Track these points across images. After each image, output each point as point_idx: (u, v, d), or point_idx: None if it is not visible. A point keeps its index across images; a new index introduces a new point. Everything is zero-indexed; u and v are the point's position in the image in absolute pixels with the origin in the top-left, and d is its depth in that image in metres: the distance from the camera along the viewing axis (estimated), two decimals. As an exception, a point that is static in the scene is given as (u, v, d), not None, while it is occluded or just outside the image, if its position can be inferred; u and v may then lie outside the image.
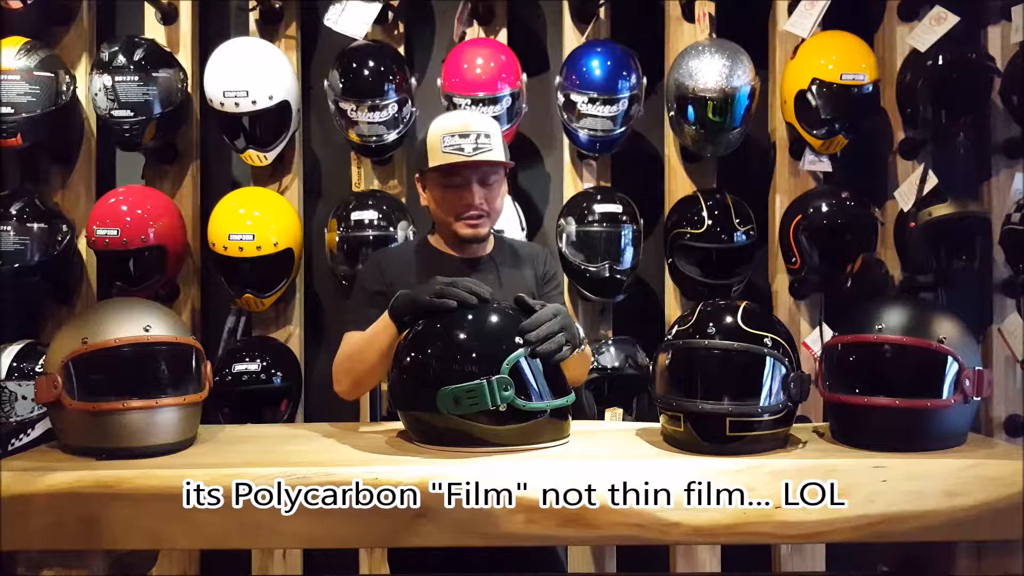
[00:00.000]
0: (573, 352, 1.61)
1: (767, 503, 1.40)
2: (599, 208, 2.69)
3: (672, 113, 2.71)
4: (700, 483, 1.41)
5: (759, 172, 2.96)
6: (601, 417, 2.59)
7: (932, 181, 2.69)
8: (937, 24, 2.63)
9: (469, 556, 1.60)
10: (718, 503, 1.40)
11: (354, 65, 2.64)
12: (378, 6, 2.70)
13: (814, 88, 2.61)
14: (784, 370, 1.51)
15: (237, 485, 1.39)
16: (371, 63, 2.65)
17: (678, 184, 2.87)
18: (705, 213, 2.66)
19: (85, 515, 1.40)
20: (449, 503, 1.38)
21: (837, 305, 2.77)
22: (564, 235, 2.69)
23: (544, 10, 3.02)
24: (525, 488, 1.39)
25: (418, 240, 2.05)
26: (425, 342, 1.57)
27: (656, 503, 1.39)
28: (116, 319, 1.55)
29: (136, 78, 2.58)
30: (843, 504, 1.40)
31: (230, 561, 2.77)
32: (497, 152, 1.85)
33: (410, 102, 2.69)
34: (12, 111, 2.54)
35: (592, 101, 2.62)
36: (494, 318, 1.57)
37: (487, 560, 1.67)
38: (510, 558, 1.74)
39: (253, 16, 2.86)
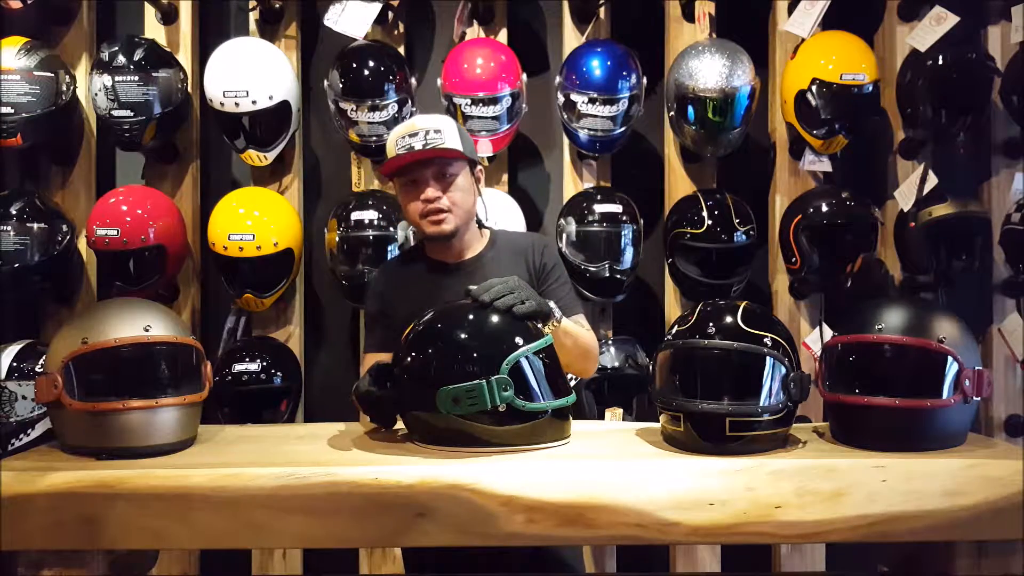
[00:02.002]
0: (533, 310, 1.60)
1: (767, 503, 1.40)
2: (599, 208, 2.69)
3: (672, 113, 2.71)
4: (700, 483, 1.41)
5: (759, 172, 2.96)
6: (601, 417, 2.59)
7: (932, 181, 2.69)
8: (937, 24, 2.63)
9: (484, 555, 1.60)
10: (718, 503, 1.40)
11: (354, 65, 2.64)
12: (378, 6, 2.70)
13: (814, 88, 2.61)
14: (784, 370, 1.51)
15: (237, 485, 1.39)
16: (371, 63, 2.65)
17: (678, 184, 2.87)
18: (705, 213, 2.66)
19: (85, 515, 1.40)
20: (449, 503, 1.38)
21: (837, 305, 2.77)
22: (564, 235, 2.69)
23: (544, 10, 3.02)
24: (525, 488, 1.39)
25: (414, 245, 2.07)
26: (425, 342, 1.57)
27: (656, 503, 1.39)
28: (116, 319, 1.56)
29: (136, 78, 2.58)
30: (843, 504, 1.40)
31: (230, 561, 2.77)
32: (449, 144, 1.84)
33: (410, 102, 2.69)
34: (12, 111, 2.54)
35: (592, 101, 2.62)
36: (494, 319, 1.57)
37: (502, 559, 1.67)
38: (527, 558, 1.74)
39: (253, 16, 2.86)
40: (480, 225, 2.02)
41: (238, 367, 2.61)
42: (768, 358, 1.51)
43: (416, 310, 1.72)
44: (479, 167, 1.97)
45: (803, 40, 2.71)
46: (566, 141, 2.85)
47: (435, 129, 1.84)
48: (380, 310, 1.95)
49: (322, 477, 1.40)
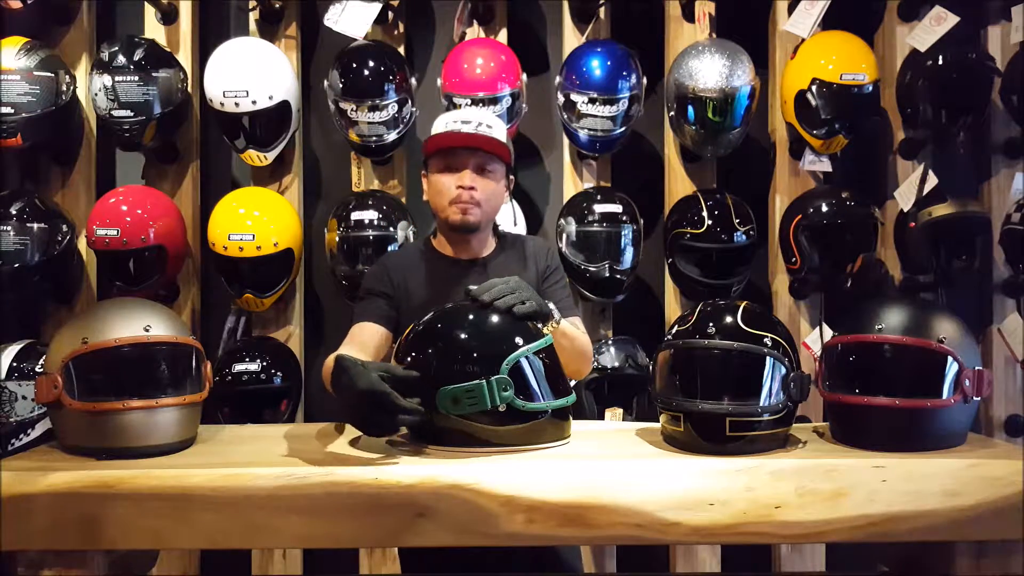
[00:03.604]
0: (533, 311, 1.60)
1: (767, 503, 1.40)
2: (599, 208, 2.69)
3: (672, 113, 2.71)
4: (700, 483, 1.41)
5: (759, 172, 2.96)
6: (601, 417, 2.59)
7: (932, 181, 2.69)
8: (937, 24, 2.63)
9: (481, 555, 1.60)
10: (718, 503, 1.40)
11: (354, 65, 2.64)
12: (378, 6, 2.70)
13: (814, 88, 2.61)
14: (784, 370, 1.51)
15: (237, 485, 1.39)
16: (371, 63, 2.65)
17: (678, 184, 2.87)
18: (705, 213, 2.66)
19: (85, 515, 1.40)
20: (449, 503, 1.38)
21: (837, 305, 2.77)
22: (564, 235, 2.69)
23: (544, 10, 3.02)
24: (525, 488, 1.39)
25: (421, 242, 2.07)
26: (425, 342, 1.57)
27: (656, 503, 1.39)
28: (116, 319, 1.55)
29: (136, 78, 2.58)
30: (843, 504, 1.40)
31: (230, 561, 2.77)
32: (499, 140, 1.88)
33: (410, 102, 2.69)
34: (12, 111, 2.54)
35: (592, 101, 2.62)
36: (494, 319, 1.57)
37: (500, 559, 1.67)
38: (524, 557, 1.74)
39: (253, 16, 2.86)
40: (495, 231, 2.03)
41: (238, 367, 2.61)
42: (768, 358, 1.51)
43: (429, 298, 1.73)
44: (512, 178, 2.00)
45: (803, 40, 2.71)
46: (566, 141, 2.85)
47: (488, 124, 1.89)
48: (382, 290, 1.92)
49: (322, 477, 1.40)
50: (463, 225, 1.89)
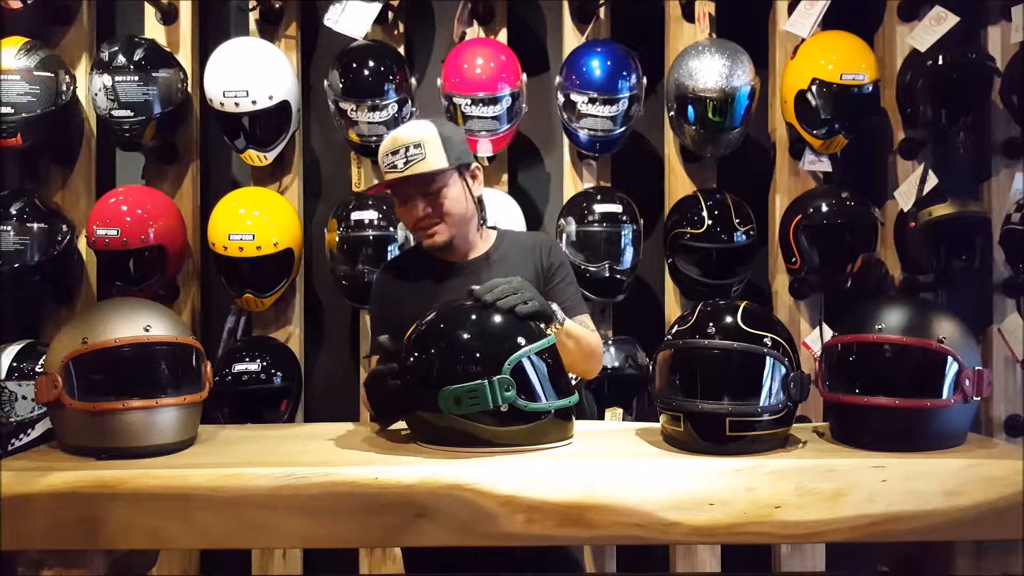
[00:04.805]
0: (536, 311, 1.60)
1: (767, 503, 1.40)
2: (599, 208, 2.69)
3: (672, 113, 2.71)
4: (700, 483, 1.41)
5: (759, 172, 2.96)
6: (601, 417, 2.59)
7: (932, 181, 2.69)
8: (937, 24, 2.63)
9: (483, 555, 1.60)
10: (718, 503, 1.40)
11: (354, 65, 2.65)
12: (378, 6, 2.70)
13: (814, 88, 2.61)
14: (784, 370, 1.51)
15: (237, 485, 1.39)
16: (371, 63, 2.65)
17: (678, 184, 2.87)
18: (705, 213, 2.66)
19: (85, 515, 1.39)
20: (449, 503, 1.38)
21: (837, 305, 2.77)
22: (564, 235, 2.69)
23: (544, 10, 3.02)
24: (525, 488, 1.39)
25: (417, 244, 2.07)
26: (427, 342, 1.57)
27: (656, 503, 1.39)
28: (116, 319, 1.55)
29: (136, 78, 2.58)
30: (843, 504, 1.40)
31: (230, 561, 2.77)
32: (430, 160, 1.81)
33: (410, 102, 2.69)
34: (12, 111, 2.54)
35: (592, 101, 2.62)
36: (497, 318, 1.57)
37: (502, 559, 1.67)
38: (527, 557, 1.74)
39: (253, 16, 2.86)
40: (484, 223, 2.00)
41: (238, 367, 2.62)
42: (768, 358, 1.51)
43: (419, 302, 1.72)
44: (474, 166, 1.94)
45: (803, 40, 2.71)
46: (566, 141, 2.85)
47: (415, 144, 1.81)
48: (384, 315, 1.94)
49: (322, 477, 1.40)
50: (434, 247, 1.90)
